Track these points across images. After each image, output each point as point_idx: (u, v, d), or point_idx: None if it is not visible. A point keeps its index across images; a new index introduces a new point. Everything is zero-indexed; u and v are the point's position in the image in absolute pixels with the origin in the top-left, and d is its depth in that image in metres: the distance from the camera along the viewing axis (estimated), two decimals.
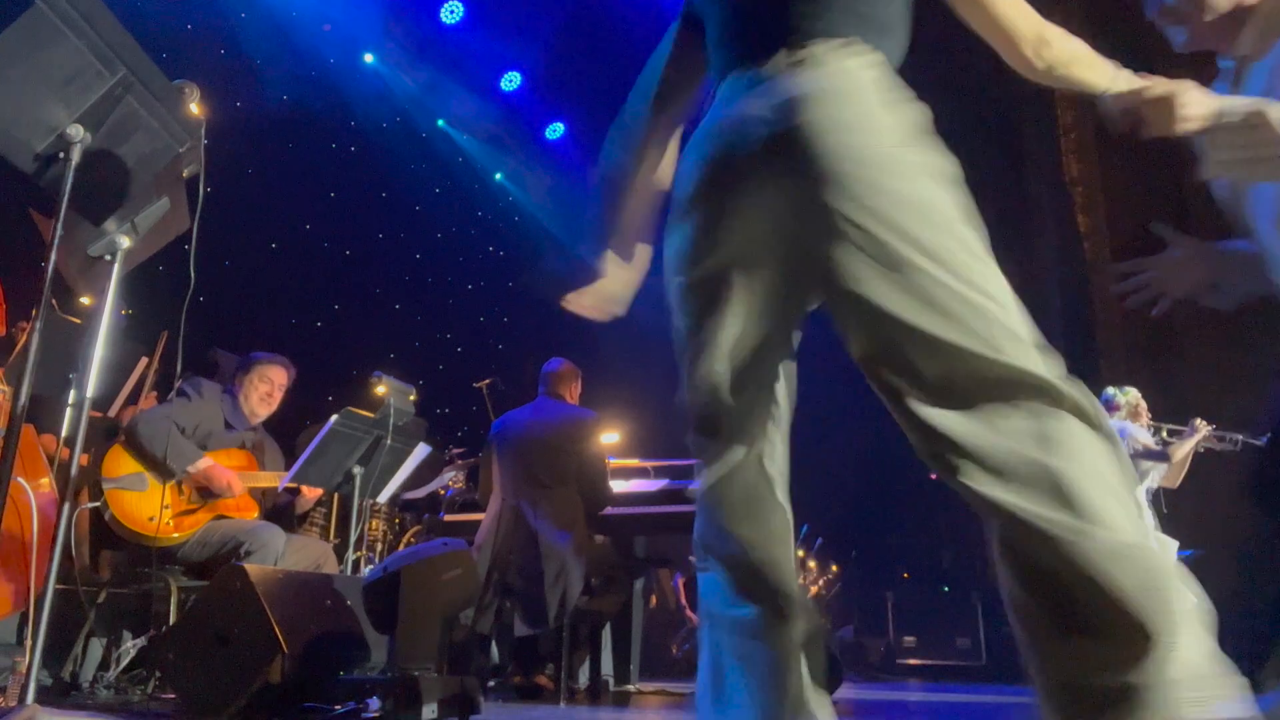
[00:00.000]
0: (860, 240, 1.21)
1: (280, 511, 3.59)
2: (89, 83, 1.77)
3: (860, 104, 1.28)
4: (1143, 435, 4.50)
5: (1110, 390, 4.74)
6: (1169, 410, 4.72)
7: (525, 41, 8.49)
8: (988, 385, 1.17)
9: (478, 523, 4.02)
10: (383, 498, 3.67)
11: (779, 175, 1.27)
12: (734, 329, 1.38)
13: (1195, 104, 1.34)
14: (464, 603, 3.16)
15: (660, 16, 8.54)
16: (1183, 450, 4.45)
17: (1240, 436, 4.58)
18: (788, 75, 1.31)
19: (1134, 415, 4.60)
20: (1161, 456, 4.43)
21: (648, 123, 1.56)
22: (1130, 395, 4.66)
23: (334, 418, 3.16)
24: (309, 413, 4.76)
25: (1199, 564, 4.95)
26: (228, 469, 3.29)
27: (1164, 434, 4.60)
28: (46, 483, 2.90)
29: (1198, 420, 4.52)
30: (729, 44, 1.43)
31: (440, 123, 9.05)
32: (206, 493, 3.20)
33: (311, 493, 3.59)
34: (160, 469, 3.11)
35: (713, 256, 1.35)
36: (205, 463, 3.21)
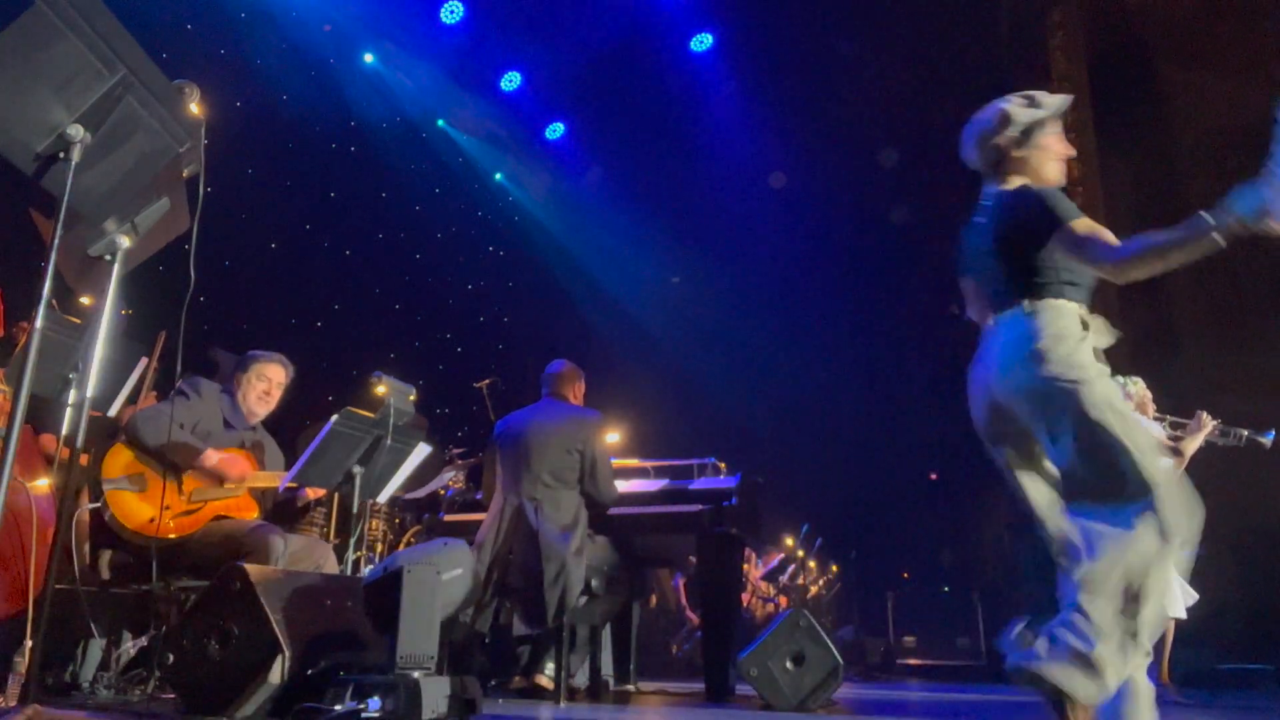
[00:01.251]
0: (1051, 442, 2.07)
1: (281, 508, 3.59)
2: (89, 83, 1.77)
3: (1045, 348, 2.06)
4: (1155, 429, 4.44)
5: (1120, 379, 4.67)
6: (1167, 409, 4.69)
7: (525, 41, 8.49)
8: None
9: (478, 523, 4.02)
10: (383, 498, 3.67)
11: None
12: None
13: None
14: (464, 603, 3.16)
15: (659, 17, 8.54)
16: (1194, 444, 4.41)
17: (1245, 432, 4.54)
18: (1000, 327, 2.19)
19: (1141, 407, 4.55)
20: (1174, 452, 4.39)
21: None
22: (1139, 386, 4.59)
23: (334, 418, 3.16)
24: (309, 413, 4.76)
25: (1200, 562, 4.94)
26: (239, 458, 3.29)
27: (1168, 427, 4.55)
28: (45, 483, 2.90)
29: (1204, 414, 4.45)
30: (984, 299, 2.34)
31: (440, 123, 9.06)
32: (206, 492, 3.20)
33: (315, 492, 3.57)
34: (165, 465, 3.11)
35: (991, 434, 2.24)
36: (214, 457, 3.21)
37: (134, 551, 3.12)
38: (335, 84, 7.79)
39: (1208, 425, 4.43)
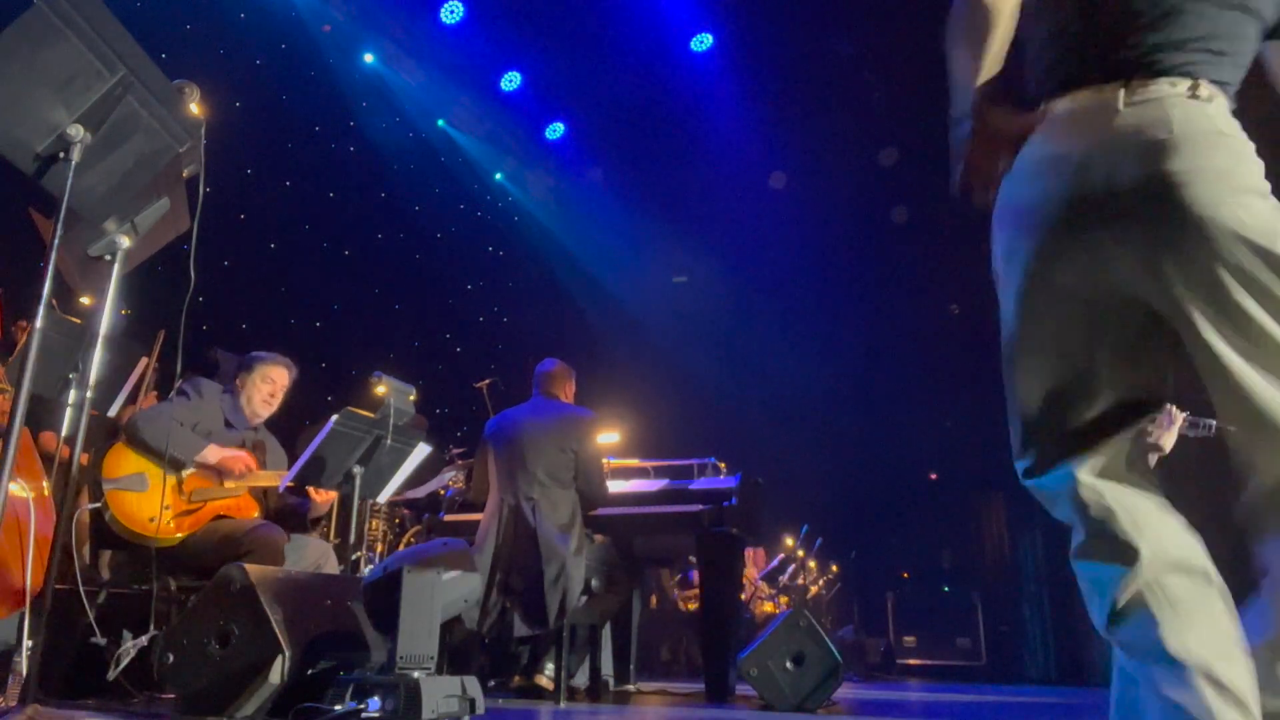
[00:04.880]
0: (1231, 310, 1.22)
1: (291, 514, 3.58)
2: (89, 83, 1.77)
3: (1224, 157, 1.26)
4: None
5: None
6: None
7: (525, 41, 8.49)
8: None
9: (478, 523, 4.02)
10: (383, 498, 3.67)
11: (1144, 222, 1.26)
12: (1069, 345, 1.39)
13: None
14: (466, 603, 3.16)
15: (659, 17, 8.54)
16: (1170, 439, 4.41)
17: (1213, 422, 4.53)
18: (1140, 113, 1.29)
19: None
20: (1154, 448, 4.40)
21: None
22: None
23: (334, 418, 3.16)
24: (309, 413, 4.76)
25: None
26: (239, 453, 3.29)
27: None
28: (43, 484, 2.90)
29: (1172, 408, 4.45)
30: (1061, 62, 1.40)
31: (440, 123, 9.05)
32: (206, 492, 3.20)
33: (325, 496, 3.54)
34: (167, 464, 3.11)
35: (1057, 278, 1.36)
36: (215, 452, 3.21)
37: (134, 551, 3.12)
38: (335, 84, 7.79)
39: (1178, 419, 4.42)
